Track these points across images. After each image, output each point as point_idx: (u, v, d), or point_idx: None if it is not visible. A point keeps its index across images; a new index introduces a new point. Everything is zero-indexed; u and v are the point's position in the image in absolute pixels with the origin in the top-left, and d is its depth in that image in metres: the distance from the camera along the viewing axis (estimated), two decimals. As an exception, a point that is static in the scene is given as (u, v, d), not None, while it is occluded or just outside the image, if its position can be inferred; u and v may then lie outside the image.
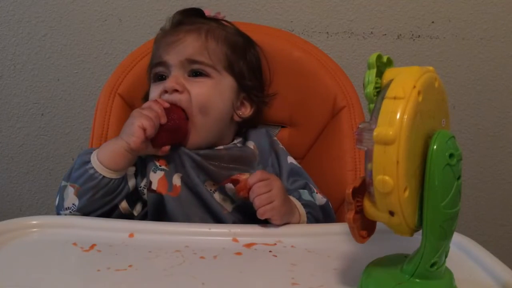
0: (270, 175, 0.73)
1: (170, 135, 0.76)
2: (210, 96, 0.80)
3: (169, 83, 0.79)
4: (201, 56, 0.80)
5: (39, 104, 1.30)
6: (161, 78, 0.82)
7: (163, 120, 0.74)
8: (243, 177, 0.73)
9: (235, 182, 0.74)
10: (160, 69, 0.82)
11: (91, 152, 0.73)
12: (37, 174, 1.35)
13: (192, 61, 0.80)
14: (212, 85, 0.80)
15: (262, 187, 0.70)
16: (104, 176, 0.71)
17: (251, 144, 0.84)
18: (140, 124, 0.71)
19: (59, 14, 1.23)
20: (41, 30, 1.24)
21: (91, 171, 0.71)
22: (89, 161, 0.72)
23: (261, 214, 0.69)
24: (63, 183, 0.73)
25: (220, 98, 0.81)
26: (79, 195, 0.71)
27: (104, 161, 0.71)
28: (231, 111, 0.84)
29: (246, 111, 0.87)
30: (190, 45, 0.80)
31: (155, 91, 0.81)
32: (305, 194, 0.80)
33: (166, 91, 0.78)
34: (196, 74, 0.80)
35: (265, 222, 0.72)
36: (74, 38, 1.25)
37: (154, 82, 0.83)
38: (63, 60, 1.27)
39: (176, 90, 0.78)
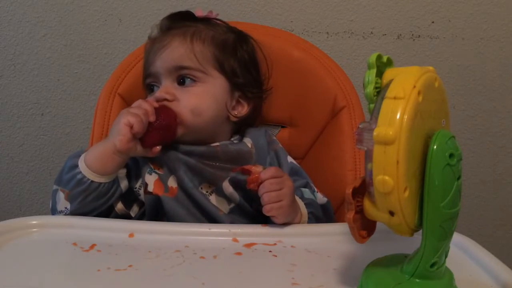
0: (284, 173, 0.73)
1: (160, 134, 0.74)
2: (201, 101, 0.79)
3: (158, 93, 0.78)
4: (188, 60, 0.79)
5: (39, 104, 1.30)
6: (153, 89, 0.82)
7: (152, 117, 0.72)
8: (256, 169, 0.72)
9: (246, 172, 0.73)
10: (150, 80, 0.82)
11: (80, 156, 0.72)
12: (37, 174, 1.35)
13: (178, 68, 0.79)
14: (203, 90, 0.79)
15: (274, 184, 0.70)
16: (92, 181, 0.70)
17: (248, 142, 0.84)
18: (125, 121, 0.69)
19: (59, 14, 1.23)
20: (41, 30, 1.24)
21: (79, 176, 0.69)
22: (77, 165, 0.70)
23: (267, 210, 0.69)
24: (54, 186, 0.72)
25: (213, 102, 0.80)
26: (69, 199, 0.70)
27: (92, 165, 0.69)
28: (225, 112, 0.83)
29: (243, 110, 0.85)
30: (175, 50, 0.79)
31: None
32: (307, 192, 0.80)
33: (156, 100, 0.78)
34: (184, 81, 0.79)
35: (264, 222, 0.72)
36: (74, 38, 1.25)
37: (148, 94, 0.84)
38: (63, 60, 1.27)
39: (166, 99, 0.77)
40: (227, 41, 0.84)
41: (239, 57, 0.85)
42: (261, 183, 0.70)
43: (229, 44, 0.84)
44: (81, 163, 0.70)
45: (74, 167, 0.70)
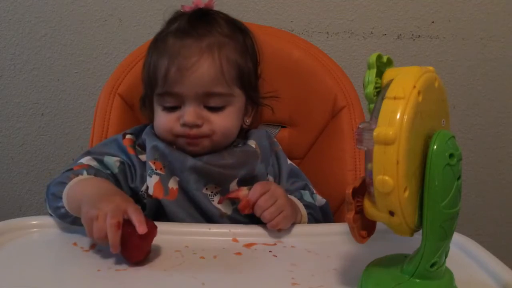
0: (269, 184, 0.73)
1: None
2: (231, 124, 0.79)
3: (189, 117, 0.75)
4: (218, 85, 0.76)
5: (39, 104, 1.30)
6: (172, 107, 0.77)
7: (115, 249, 0.57)
8: (242, 193, 0.71)
9: (235, 199, 0.72)
10: (171, 100, 0.77)
11: (64, 183, 0.68)
12: (37, 174, 1.35)
13: (209, 94, 0.76)
14: (231, 112, 0.78)
15: (268, 201, 0.69)
16: (77, 216, 0.65)
17: (252, 143, 0.84)
18: (92, 235, 0.59)
19: (59, 14, 1.23)
20: (41, 30, 1.24)
21: (63, 210, 0.67)
22: (61, 198, 0.67)
23: (274, 225, 0.68)
24: (45, 203, 0.70)
25: (238, 120, 0.81)
26: (59, 219, 0.69)
27: (72, 211, 0.66)
28: (241, 123, 0.84)
29: (251, 115, 0.86)
30: (206, 74, 0.75)
31: (167, 119, 0.77)
32: (306, 195, 0.80)
33: (184, 124, 0.75)
34: (214, 106, 0.77)
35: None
36: (74, 38, 1.25)
37: (163, 110, 0.78)
38: (63, 60, 1.27)
39: (197, 125, 0.75)
40: (241, 42, 0.82)
41: (251, 55, 0.83)
42: (253, 204, 0.69)
43: (242, 44, 0.82)
44: (64, 198, 0.67)
45: (57, 199, 0.67)
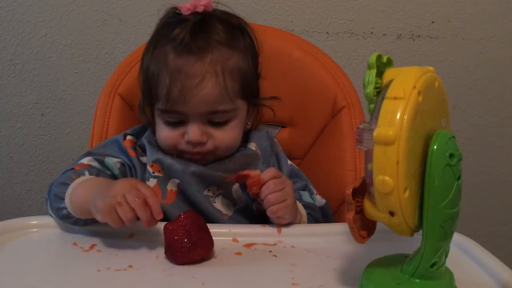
0: (281, 173, 0.73)
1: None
2: (234, 136, 0.78)
3: (194, 136, 0.74)
4: (222, 103, 0.74)
5: (39, 104, 1.30)
6: (175, 122, 0.76)
7: (151, 225, 0.62)
8: (254, 172, 0.72)
9: (244, 177, 0.72)
10: (174, 116, 0.75)
11: (67, 183, 0.69)
12: (37, 174, 1.35)
13: (213, 112, 0.75)
14: (234, 126, 0.77)
15: (277, 184, 0.70)
16: (79, 218, 0.67)
17: (252, 146, 0.83)
18: (121, 213, 0.61)
19: (59, 14, 1.23)
20: (41, 30, 1.24)
21: (65, 212, 0.67)
22: (63, 199, 0.67)
23: (274, 211, 0.69)
24: (46, 203, 0.70)
25: (241, 130, 0.80)
26: (61, 220, 0.69)
27: (75, 212, 0.66)
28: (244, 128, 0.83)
29: (252, 117, 0.85)
30: (210, 94, 0.73)
31: (170, 135, 0.76)
32: (305, 195, 0.80)
33: (189, 142, 0.74)
34: (218, 122, 0.76)
35: (265, 222, 0.72)
36: (74, 38, 1.25)
37: (166, 124, 0.76)
38: (63, 60, 1.27)
39: (201, 142, 0.75)
40: (241, 46, 0.79)
41: (251, 51, 0.81)
42: (263, 185, 0.70)
43: (242, 47, 0.79)
44: (67, 200, 0.67)
45: (60, 200, 0.67)
